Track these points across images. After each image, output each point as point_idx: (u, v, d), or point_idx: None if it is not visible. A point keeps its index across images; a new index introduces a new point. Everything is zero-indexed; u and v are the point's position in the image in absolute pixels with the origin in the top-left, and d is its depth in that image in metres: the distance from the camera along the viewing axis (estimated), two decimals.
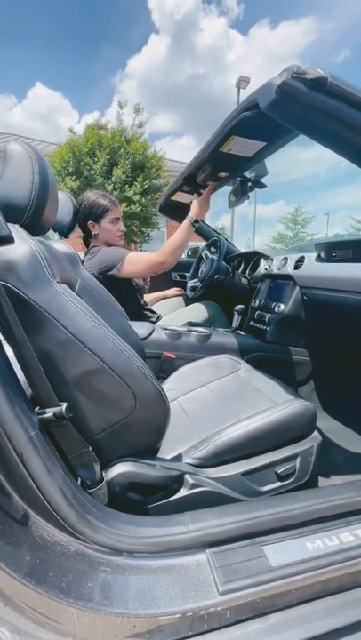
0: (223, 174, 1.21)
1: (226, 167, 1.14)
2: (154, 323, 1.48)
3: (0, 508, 0.48)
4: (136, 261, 1.33)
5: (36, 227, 0.66)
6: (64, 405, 0.55)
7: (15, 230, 0.59)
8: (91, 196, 1.44)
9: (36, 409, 0.56)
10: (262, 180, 1.27)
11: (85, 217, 1.42)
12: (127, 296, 1.43)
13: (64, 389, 0.58)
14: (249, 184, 1.27)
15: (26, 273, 0.55)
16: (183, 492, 0.66)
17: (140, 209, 7.26)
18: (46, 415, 0.54)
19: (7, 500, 0.49)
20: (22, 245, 0.57)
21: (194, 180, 1.33)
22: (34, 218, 0.64)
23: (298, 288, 1.28)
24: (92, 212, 1.42)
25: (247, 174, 1.23)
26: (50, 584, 0.46)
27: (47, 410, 0.55)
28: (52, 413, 0.54)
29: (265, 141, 0.90)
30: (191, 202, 1.35)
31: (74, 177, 7.04)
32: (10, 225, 0.59)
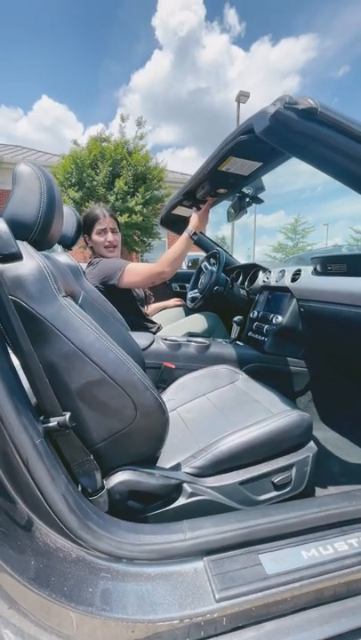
0: (222, 190, 1.25)
1: (224, 184, 1.19)
2: (154, 333, 1.51)
3: (5, 514, 0.50)
4: (135, 271, 1.36)
5: (42, 243, 0.70)
6: (67, 415, 0.57)
7: (23, 247, 0.63)
8: (86, 210, 1.49)
9: (40, 418, 0.58)
10: (260, 196, 1.31)
11: (82, 231, 1.47)
12: (128, 306, 1.46)
13: (67, 399, 0.61)
14: (247, 199, 1.31)
15: (33, 288, 0.58)
16: (182, 501, 0.68)
17: (141, 219, 7.37)
18: (50, 424, 0.56)
19: (12, 505, 0.51)
20: (30, 262, 0.60)
21: (194, 196, 1.38)
22: (41, 235, 0.67)
23: (295, 300, 1.31)
24: (85, 226, 1.46)
25: (245, 190, 1.27)
26: (52, 588, 0.47)
27: (51, 419, 0.57)
28: (55, 422, 0.56)
29: (261, 162, 0.94)
30: (191, 215, 1.39)
31: (76, 188, 7.17)
32: (18, 242, 0.62)
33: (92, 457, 0.62)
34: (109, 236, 1.48)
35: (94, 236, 1.47)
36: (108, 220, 1.48)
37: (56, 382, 0.59)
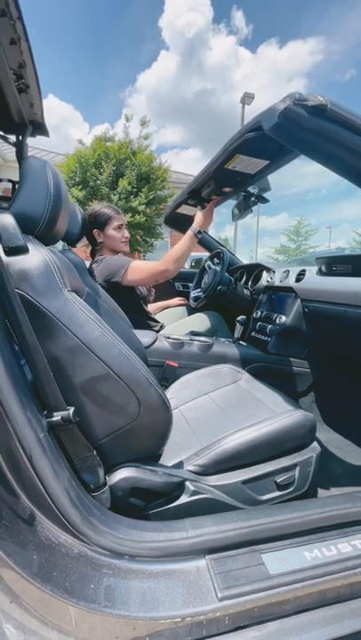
0: (227, 189, 1.25)
1: (230, 183, 1.18)
2: (157, 331, 1.51)
3: (8, 508, 0.50)
4: (139, 269, 1.36)
5: (48, 237, 0.70)
6: (71, 410, 0.57)
7: (29, 240, 0.62)
8: (95, 207, 1.53)
9: (44, 412, 0.58)
10: (265, 195, 1.31)
11: (91, 226, 1.48)
12: (131, 304, 1.46)
13: (71, 394, 0.60)
14: (252, 199, 1.31)
15: (39, 282, 0.58)
16: (184, 499, 0.68)
17: (144, 219, 7.37)
18: (54, 418, 0.56)
19: (15, 499, 0.51)
20: (36, 255, 0.60)
21: (199, 194, 1.38)
22: (47, 229, 0.67)
23: (299, 300, 1.30)
24: (97, 221, 1.48)
25: (251, 189, 1.27)
26: (54, 583, 0.47)
27: (55, 413, 0.56)
28: (59, 417, 0.56)
29: (268, 160, 0.94)
30: (195, 214, 1.39)
31: (80, 187, 7.19)
32: (24, 235, 0.62)
33: (95, 453, 0.61)
34: (125, 232, 1.53)
35: (111, 232, 1.49)
36: (122, 216, 1.53)
37: (60, 377, 0.59)
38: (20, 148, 1.11)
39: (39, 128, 1.10)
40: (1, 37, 0.58)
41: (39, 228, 0.66)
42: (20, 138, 1.08)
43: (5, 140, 1.07)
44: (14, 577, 0.45)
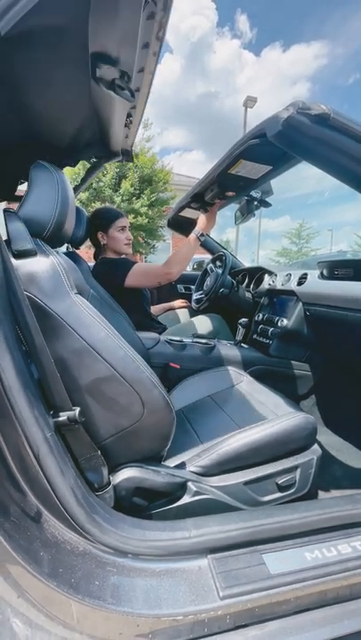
0: (230, 193, 1.26)
1: (233, 187, 1.19)
2: (159, 333, 1.52)
3: (16, 505, 0.51)
4: (142, 271, 1.38)
5: (55, 240, 0.71)
6: (77, 410, 0.58)
7: (37, 244, 0.64)
8: (99, 209, 1.54)
9: (50, 412, 0.59)
10: (268, 200, 1.32)
11: (95, 228, 1.49)
12: (134, 306, 1.47)
13: (77, 395, 0.62)
14: (255, 203, 1.32)
15: (47, 284, 0.59)
16: (186, 499, 0.68)
17: (146, 221, 7.40)
18: (60, 418, 0.57)
19: (23, 497, 0.52)
20: (44, 258, 0.62)
21: (202, 198, 1.39)
22: (54, 232, 0.68)
23: (301, 304, 1.31)
24: (101, 223, 1.49)
25: (253, 194, 1.28)
26: (60, 580, 0.48)
27: (61, 413, 0.58)
28: (65, 417, 0.57)
29: (271, 165, 0.95)
30: (198, 217, 1.41)
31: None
32: (32, 239, 0.63)
33: (99, 452, 0.62)
34: (129, 234, 1.53)
35: (115, 233, 1.50)
36: (125, 218, 1.54)
37: (66, 377, 0.60)
38: (96, 169, 1.19)
39: (126, 154, 1.20)
40: (132, 86, 0.69)
41: (47, 232, 0.67)
42: (102, 160, 1.16)
43: (88, 160, 1.15)
44: (21, 572, 0.47)
